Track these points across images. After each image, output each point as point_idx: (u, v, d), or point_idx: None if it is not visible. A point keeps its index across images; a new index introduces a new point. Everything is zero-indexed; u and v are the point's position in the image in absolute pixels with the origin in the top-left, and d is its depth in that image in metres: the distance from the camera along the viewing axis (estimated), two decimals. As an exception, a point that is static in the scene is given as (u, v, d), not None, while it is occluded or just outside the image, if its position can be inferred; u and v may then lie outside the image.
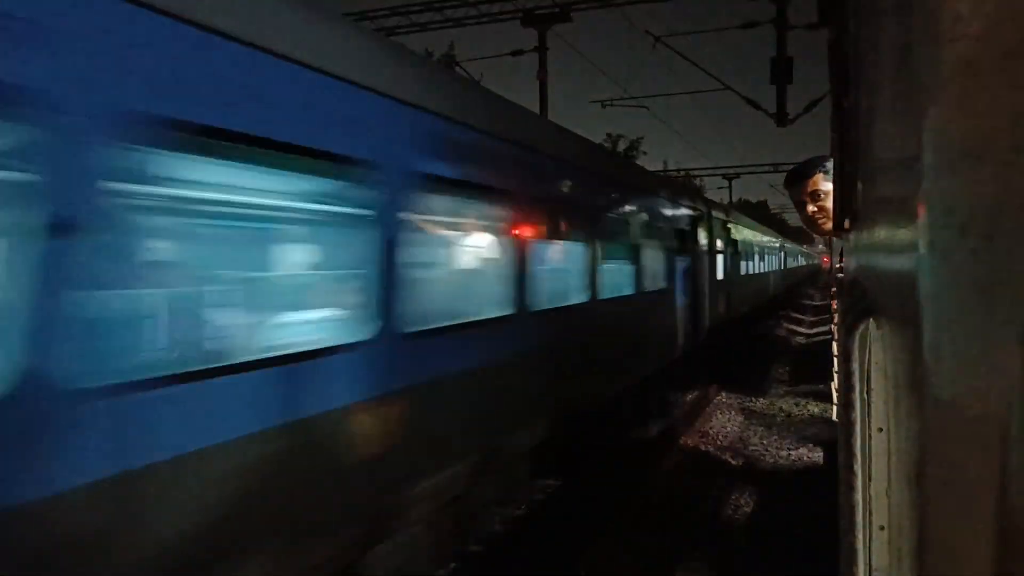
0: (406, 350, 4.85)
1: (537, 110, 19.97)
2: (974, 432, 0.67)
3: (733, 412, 14.30)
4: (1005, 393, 0.61)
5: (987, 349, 0.67)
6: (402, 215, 4.92)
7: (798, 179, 4.02)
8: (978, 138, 0.71)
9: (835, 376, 7.86)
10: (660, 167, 50.88)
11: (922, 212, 0.79)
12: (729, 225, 19.65)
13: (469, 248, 6.43)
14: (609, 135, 54.56)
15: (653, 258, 11.34)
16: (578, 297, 8.22)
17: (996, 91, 0.70)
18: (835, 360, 8.03)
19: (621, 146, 53.95)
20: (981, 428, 0.65)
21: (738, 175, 50.22)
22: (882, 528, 1.52)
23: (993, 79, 0.70)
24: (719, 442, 12.05)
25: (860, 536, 1.56)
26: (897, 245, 1.08)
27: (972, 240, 0.70)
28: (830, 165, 3.60)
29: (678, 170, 51.55)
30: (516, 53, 21.91)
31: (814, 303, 44.13)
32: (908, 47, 0.92)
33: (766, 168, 48.96)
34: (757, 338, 24.44)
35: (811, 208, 3.94)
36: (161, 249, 3.81)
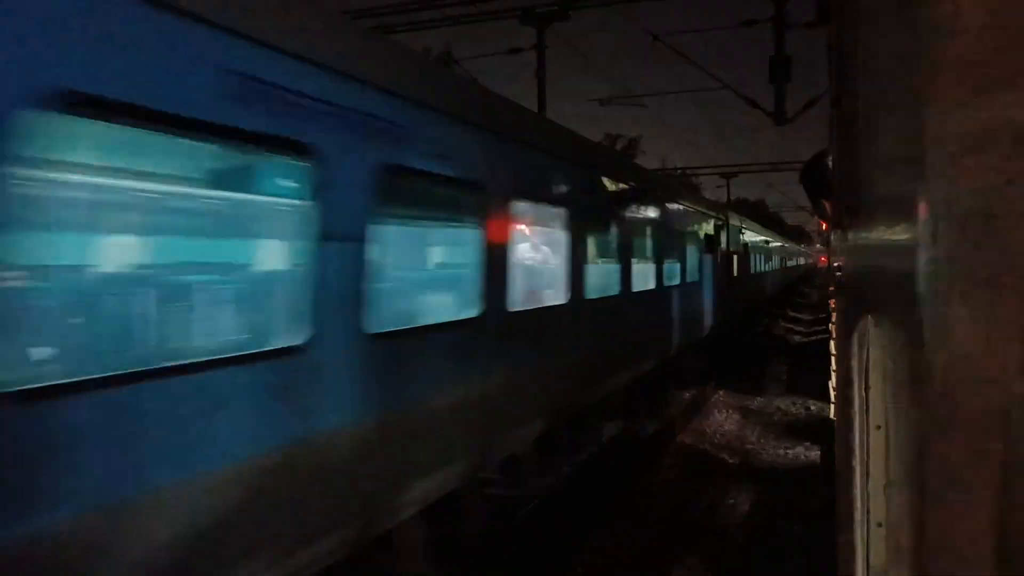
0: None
1: (535, 108, 19.98)
2: (973, 429, 0.67)
3: (731, 410, 14.31)
4: (1005, 389, 0.61)
5: (987, 345, 0.67)
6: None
7: (815, 172, 3.96)
8: (978, 133, 0.70)
9: (833, 374, 7.86)
10: (658, 166, 50.79)
11: (922, 208, 0.79)
12: (741, 229, 21.48)
13: (646, 254, 11.37)
14: (608, 134, 54.55)
15: (697, 259, 14.83)
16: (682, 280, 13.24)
17: (995, 86, 0.70)
18: (833, 358, 8.03)
19: (619, 145, 53.92)
20: (980, 425, 0.65)
21: (736, 174, 50.09)
22: (880, 525, 1.52)
23: (992, 74, 0.70)
24: (717, 440, 12.06)
25: (858, 533, 1.56)
26: (896, 241, 1.08)
27: (972, 236, 0.69)
28: None
29: (676, 168, 51.48)
30: (514, 51, 21.88)
31: (811, 302, 44.18)
32: (907, 43, 0.92)
33: (764, 167, 48.84)
34: (756, 336, 24.50)
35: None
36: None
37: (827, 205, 3.92)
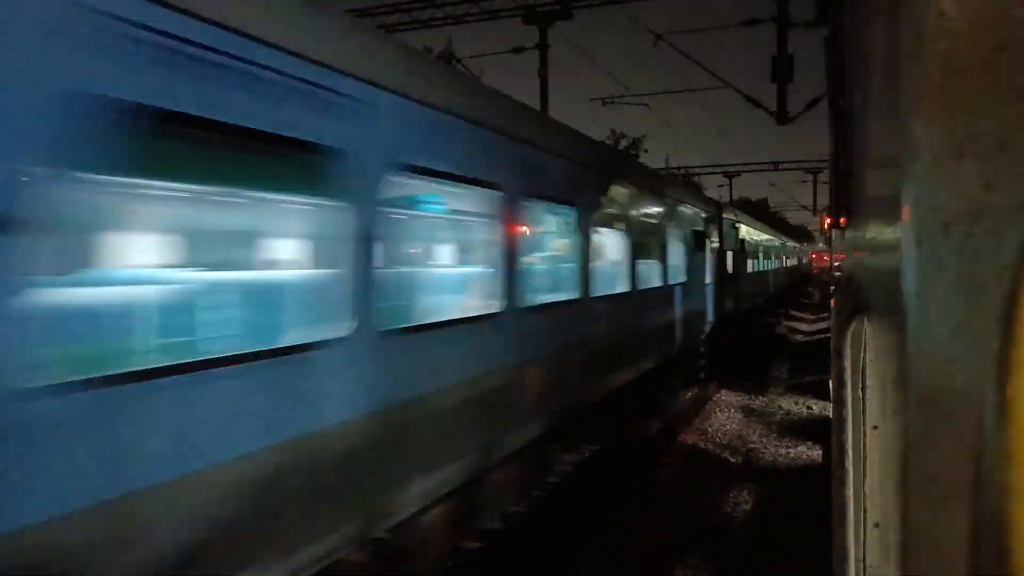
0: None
1: (538, 107, 19.98)
2: (954, 428, 0.68)
3: (733, 410, 14.30)
4: (983, 391, 0.61)
5: (968, 344, 0.68)
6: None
7: None
8: (962, 135, 0.71)
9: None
10: (661, 164, 50.71)
11: (906, 210, 0.79)
12: (737, 225, 21.30)
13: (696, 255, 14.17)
14: (612, 132, 54.48)
15: (691, 257, 14.76)
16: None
17: (980, 89, 0.71)
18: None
19: (623, 144, 53.88)
20: (960, 424, 0.66)
21: (739, 173, 50.09)
22: (876, 525, 1.52)
23: (977, 77, 0.71)
24: (719, 440, 12.05)
25: (851, 532, 1.56)
26: (885, 242, 1.08)
27: (955, 237, 0.70)
28: None
29: (679, 167, 51.42)
30: (517, 50, 21.89)
31: (813, 301, 44.15)
32: (896, 45, 0.92)
33: (767, 166, 48.81)
34: (757, 336, 24.49)
35: None
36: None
37: None
